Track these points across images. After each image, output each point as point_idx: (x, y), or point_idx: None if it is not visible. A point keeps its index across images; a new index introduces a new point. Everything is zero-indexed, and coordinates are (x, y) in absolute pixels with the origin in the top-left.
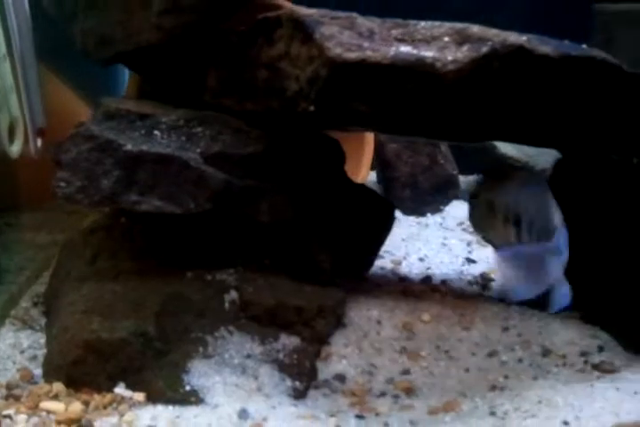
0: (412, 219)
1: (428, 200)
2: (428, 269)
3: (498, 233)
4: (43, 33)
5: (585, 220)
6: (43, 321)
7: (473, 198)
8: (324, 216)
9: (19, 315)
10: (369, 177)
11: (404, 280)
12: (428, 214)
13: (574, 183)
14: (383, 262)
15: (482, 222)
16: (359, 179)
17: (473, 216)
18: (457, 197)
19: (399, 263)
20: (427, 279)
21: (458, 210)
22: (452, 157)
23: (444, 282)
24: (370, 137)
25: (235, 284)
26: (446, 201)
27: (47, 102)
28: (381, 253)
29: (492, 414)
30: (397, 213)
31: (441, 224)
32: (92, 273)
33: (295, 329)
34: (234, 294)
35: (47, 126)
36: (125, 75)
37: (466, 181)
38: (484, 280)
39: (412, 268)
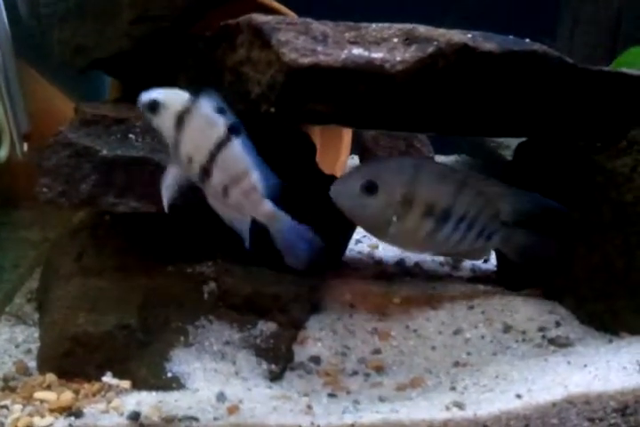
0: None
1: None
2: (403, 251)
3: (403, 227)
4: (34, 41)
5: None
6: (36, 316)
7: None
8: (297, 207)
9: (13, 311)
10: (353, 161)
11: (379, 264)
12: None
13: (535, 163)
14: (361, 247)
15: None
16: (339, 164)
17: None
18: None
19: (376, 247)
20: (401, 262)
21: None
22: (428, 140)
23: (417, 264)
24: None
25: (213, 275)
26: None
27: (42, 106)
28: (359, 237)
29: (453, 389)
30: None
31: None
32: (78, 270)
33: (272, 315)
34: (213, 285)
35: (44, 128)
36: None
37: (446, 160)
38: (455, 261)
39: (387, 251)
